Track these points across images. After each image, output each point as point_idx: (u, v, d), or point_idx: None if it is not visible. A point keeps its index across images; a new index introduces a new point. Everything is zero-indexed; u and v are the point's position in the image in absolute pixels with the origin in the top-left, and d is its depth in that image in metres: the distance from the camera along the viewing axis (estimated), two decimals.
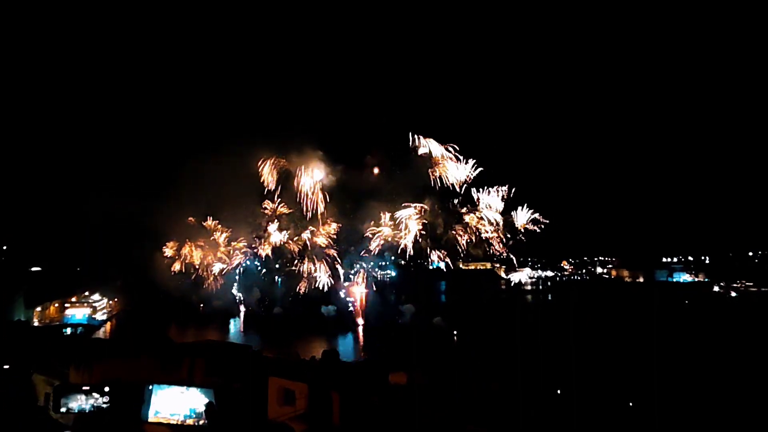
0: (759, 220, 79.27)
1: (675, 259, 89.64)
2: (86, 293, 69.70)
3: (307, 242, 76.73)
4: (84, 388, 8.32)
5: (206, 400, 8.35)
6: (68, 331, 58.11)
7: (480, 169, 77.73)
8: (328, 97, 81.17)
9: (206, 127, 76.33)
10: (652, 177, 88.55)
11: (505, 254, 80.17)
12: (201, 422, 8.31)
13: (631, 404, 29.85)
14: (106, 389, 8.31)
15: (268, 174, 76.18)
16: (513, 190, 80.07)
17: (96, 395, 8.25)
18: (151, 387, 8.45)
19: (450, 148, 75.96)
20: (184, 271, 78.42)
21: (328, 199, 76.59)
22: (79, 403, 8.21)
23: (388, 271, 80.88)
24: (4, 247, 75.01)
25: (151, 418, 8.42)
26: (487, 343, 54.86)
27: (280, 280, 79.32)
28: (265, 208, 77.70)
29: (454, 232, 77.45)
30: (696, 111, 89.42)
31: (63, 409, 8.13)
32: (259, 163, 75.44)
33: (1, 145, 74.69)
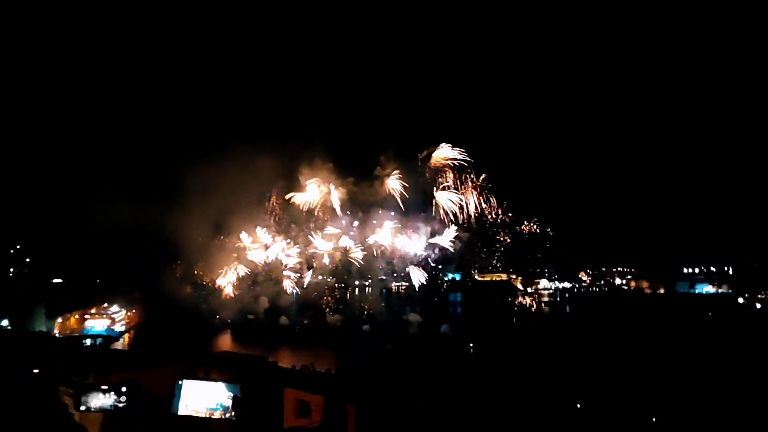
0: None
1: (697, 270, 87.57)
2: (105, 305, 70.82)
3: (313, 258, 76.99)
4: (103, 387, 8.58)
5: (232, 395, 8.61)
6: (88, 342, 59.01)
7: (490, 184, 77.24)
8: (338, 108, 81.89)
9: (218, 140, 77.60)
10: (673, 186, 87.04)
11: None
12: (228, 415, 8.57)
13: (654, 420, 29.17)
14: (124, 389, 8.57)
15: (275, 203, 77.04)
16: (527, 202, 79.88)
17: (114, 395, 8.49)
18: (181, 381, 8.75)
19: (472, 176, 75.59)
20: (195, 290, 79.62)
21: (338, 213, 76.93)
22: (99, 401, 8.46)
23: (403, 282, 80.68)
24: (27, 260, 76.86)
25: (181, 411, 8.71)
26: (502, 355, 54.36)
27: (294, 292, 79.58)
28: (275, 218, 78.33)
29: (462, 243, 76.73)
30: (718, 119, 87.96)
31: (83, 407, 8.37)
32: (266, 195, 76.30)
33: (24, 163, 76.88)
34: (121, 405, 8.31)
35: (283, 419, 9.21)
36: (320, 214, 78.00)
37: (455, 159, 76.65)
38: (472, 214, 76.98)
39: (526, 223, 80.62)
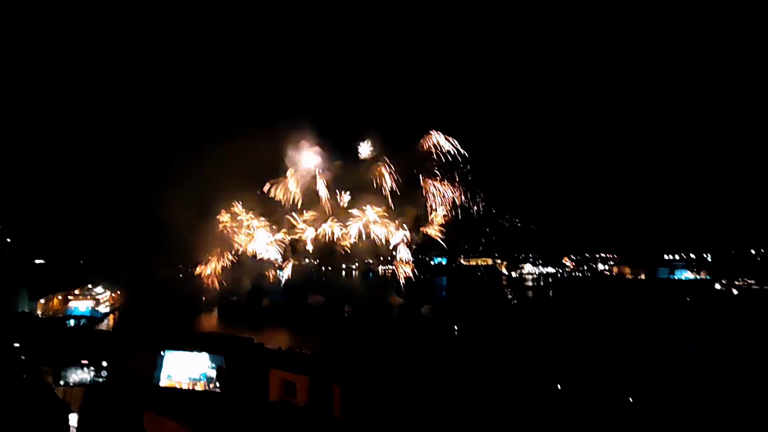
0: (762, 217, 79.10)
1: (677, 256, 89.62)
2: (89, 286, 70.11)
3: (298, 242, 76.48)
4: (83, 362, 8.52)
5: (216, 365, 8.53)
6: (71, 323, 58.57)
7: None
8: (327, 90, 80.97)
9: (203, 123, 76.41)
10: (654, 173, 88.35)
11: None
12: (212, 386, 8.51)
13: (630, 400, 30.03)
14: (104, 363, 8.50)
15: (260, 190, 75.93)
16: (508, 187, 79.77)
17: (93, 370, 8.42)
18: (163, 352, 8.68)
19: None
20: (181, 271, 79.10)
21: (323, 197, 76.24)
22: (78, 376, 8.40)
23: (389, 266, 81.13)
24: (8, 240, 75.51)
25: (164, 382, 8.61)
26: (489, 340, 55.39)
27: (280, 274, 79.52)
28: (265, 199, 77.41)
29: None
30: (697, 107, 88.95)
31: (62, 382, 8.31)
32: (253, 178, 75.04)
33: (5, 141, 74.80)
34: (101, 380, 8.25)
35: (269, 398, 9.35)
36: (305, 200, 77.56)
37: (443, 147, 76.30)
38: (458, 203, 77.15)
39: (507, 217, 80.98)
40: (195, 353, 8.74)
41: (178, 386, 8.61)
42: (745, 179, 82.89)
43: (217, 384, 8.51)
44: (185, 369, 8.62)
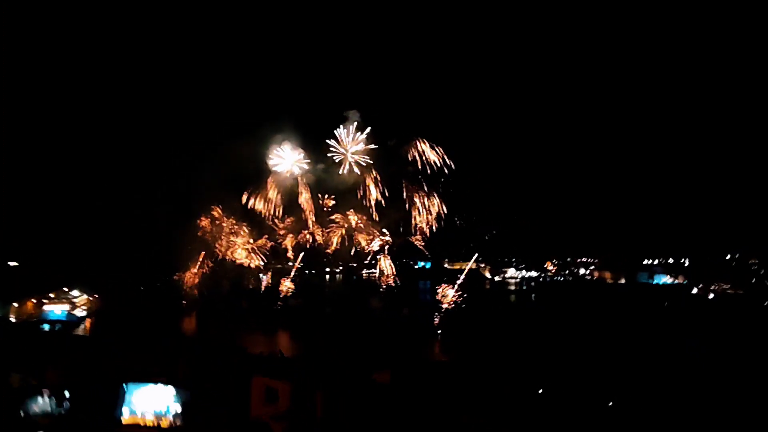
0: (737, 223, 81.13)
1: (656, 261, 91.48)
2: (65, 289, 68.58)
3: (280, 246, 76.06)
4: (44, 390, 8.24)
5: (182, 399, 8.31)
6: (46, 327, 57.20)
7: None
8: (311, 91, 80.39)
9: (181, 123, 75.13)
10: (635, 179, 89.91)
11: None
12: (178, 422, 8.30)
13: (611, 404, 30.41)
14: (67, 394, 8.22)
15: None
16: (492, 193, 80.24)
17: (56, 400, 8.14)
18: (125, 386, 8.42)
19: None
20: (163, 275, 77.92)
21: (305, 203, 75.78)
22: (39, 407, 8.12)
23: (373, 270, 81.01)
24: None
25: (126, 418, 8.37)
26: (473, 339, 55.83)
27: (262, 277, 78.84)
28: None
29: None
30: (675, 114, 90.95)
31: (23, 414, 8.01)
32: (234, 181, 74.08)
33: None
34: (63, 412, 7.95)
35: (251, 406, 9.19)
36: (287, 204, 77.11)
37: (429, 157, 76.62)
38: (441, 211, 77.53)
39: (489, 225, 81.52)
40: (160, 386, 8.52)
41: (142, 423, 8.38)
42: (723, 185, 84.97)
43: (183, 419, 8.32)
44: (150, 402, 8.36)
